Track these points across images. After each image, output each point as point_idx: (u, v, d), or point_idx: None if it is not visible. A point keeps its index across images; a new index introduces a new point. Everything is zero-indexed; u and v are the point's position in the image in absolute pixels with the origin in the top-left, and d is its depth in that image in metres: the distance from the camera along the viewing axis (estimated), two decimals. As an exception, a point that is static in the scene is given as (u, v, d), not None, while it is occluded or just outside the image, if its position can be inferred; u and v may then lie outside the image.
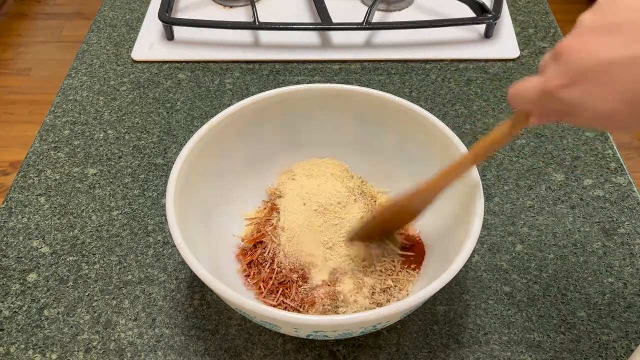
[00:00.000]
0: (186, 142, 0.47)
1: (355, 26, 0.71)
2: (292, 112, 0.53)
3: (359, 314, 0.38)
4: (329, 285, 0.47)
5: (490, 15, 0.72)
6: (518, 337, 0.47)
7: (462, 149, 0.46)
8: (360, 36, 0.74)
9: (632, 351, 0.46)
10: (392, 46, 0.73)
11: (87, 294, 0.50)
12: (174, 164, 0.45)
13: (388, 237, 0.49)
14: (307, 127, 0.54)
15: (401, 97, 0.50)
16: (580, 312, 0.48)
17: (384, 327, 0.44)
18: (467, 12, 0.75)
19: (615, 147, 0.61)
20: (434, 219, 0.50)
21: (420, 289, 0.38)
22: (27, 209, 0.56)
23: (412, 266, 0.48)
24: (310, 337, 0.41)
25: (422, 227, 0.51)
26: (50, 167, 0.60)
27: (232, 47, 0.73)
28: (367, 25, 0.71)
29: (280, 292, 0.46)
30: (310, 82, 0.67)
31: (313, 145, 0.55)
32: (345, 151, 0.55)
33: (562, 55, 0.31)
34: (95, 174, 0.59)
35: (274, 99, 0.51)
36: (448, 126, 0.48)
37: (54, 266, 0.52)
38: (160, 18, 0.72)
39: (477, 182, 0.44)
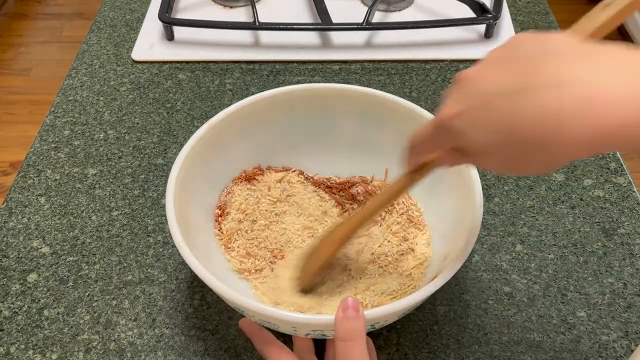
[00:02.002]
0: (186, 142, 0.47)
1: (355, 26, 0.71)
2: (291, 111, 0.53)
3: None
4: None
5: (490, 15, 0.72)
6: (518, 337, 0.47)
7: None
8: (360, 36, 0.74)
9: (632, 351, 0.46)
10: (392, 46, 0.73)
11: (87, 294, 0.50)
12: (173, 163, 0.45)
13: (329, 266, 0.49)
14: (307, 127, 0.54)
15: (401, 97, 0.50)
16: (580, 312, 0.48)
17: (382, 327, 0.44)
18: (467, 12, 0.75)
19: (615, 147, 0.61)
20: (433, 218, 0.50)
21: (419, 289, 0.38)
22: (27, 209, 0.56)
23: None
24: (309, 336, 0.41)
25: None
26: (50, 167, 0.60)
27: (232, 47, 0.73)
28: (367, 25, 0.71)
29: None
30: (310, 82, 0.67)
31: (312, 145, 0.55)
32: (344, 151, 0.55)
33: (459, 84, 0.30)
34: (95, 174, 0.59)
35: (273, 99, 0.51)
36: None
37: (53, 266, 0.52)
38: (160, 18, 0.72)
39: (476, 182, 0.44)
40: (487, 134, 0.28)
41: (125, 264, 0.52)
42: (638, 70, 0.24)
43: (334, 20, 0.72)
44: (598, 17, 0.31)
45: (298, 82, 0.68)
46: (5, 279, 0.51)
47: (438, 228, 0.49)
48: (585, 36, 0.31)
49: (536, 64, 0.26)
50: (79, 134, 0.63)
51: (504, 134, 0.27)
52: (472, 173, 0.44)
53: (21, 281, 0.51)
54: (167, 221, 0.42)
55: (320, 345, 0.44)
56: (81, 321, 0.48)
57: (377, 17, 0.77)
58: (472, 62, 0.70)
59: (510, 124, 0.26)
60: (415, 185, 0.40)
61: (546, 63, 0.26)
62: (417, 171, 0.39)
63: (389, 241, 0.49)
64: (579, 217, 0.55)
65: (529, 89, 0.26)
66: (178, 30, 0.74)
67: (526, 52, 0.27)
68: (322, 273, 0.48)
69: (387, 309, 0.37)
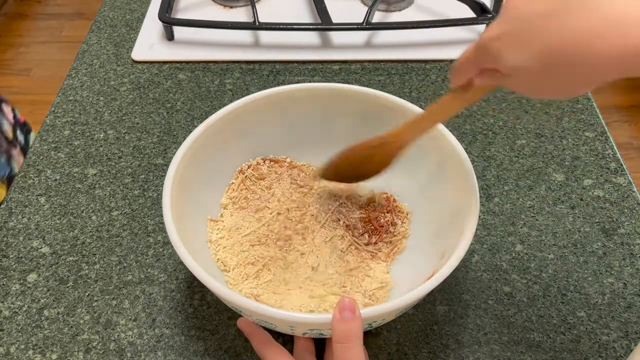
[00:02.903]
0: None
1: (355, 26, 0.72)
2: (290, 111, 0.53)
3: None
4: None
5: (490, 15, 0.72)
6: (518, 337, 0.47)
7: (460, 149, 0.46)
8: (360, 36, 0.74)
9: (632, 351, 0.46)
10: (392, 46, 0.73)
11: (87, 294, 0.50)
12: (170, 163, 0.45)
13: (357, 181, 0.50)
14: (305, 127, 0.54)
15: (401, 97, 0.50)
16: (579, 312, 0.48)
17: (379, 325, 0.44)
18: (467, 12, 0.75)
19: (615, 147, 0.61)
20: (430, 217, 0.50)
21: (416, 287, 0.38)
22: (27, 209, 0.56)
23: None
24: (306, 335, 0.41)
25: (417, 225, 0.51)
26: (50, 167, 0.60)
27: (232, 47, 0.73)
28: (367, 25, 0.71)
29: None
30: (309, 82, 0.67)
31: (311, 145, 0.55)
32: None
33: (504, 10, 0.32)
34: (95, 174, 0.59)
35: (271, 98, 0.51)
36: (447, 126, 0.48)
37: (53, 266, 0.52)
38: (160, 18, 0.72)
39: (472, 179, 0.44)
40: (524, 54, 0.29)
41: (125, 264, 0.52)
42: None
43: (334, 20, 0.72)
44: None
45: (298, 82, 0.68)
46: (5, 279, 0.51)
47: (433, 225, 0.49)
48: None
49: None
50: (79, 134, 0.63)
51: (539, 54, 0.29)
52: (468, 167, 0.45)
53: (21, 281, 0.51)
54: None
55: (322, 347, 0.44)
56: (81, 321, 0.48)
57: (377, 17, 0.77)
58: (472, 62, 0.71)
59: (545, 44, 0.28)
60: (464, 106, 0.40)
61: None
62: (464, 90, 0.39)
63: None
64: (579, 217, 0.55)
65: (562, 11, 0.28)
66: (178, 30, 0.74)
67: None
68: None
69: (383, 307, 0.37)
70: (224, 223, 0.51)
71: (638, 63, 0.27)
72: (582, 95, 0.66)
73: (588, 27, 0.27)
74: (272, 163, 0.54)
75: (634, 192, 0.57)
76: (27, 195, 0.57)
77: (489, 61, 0.33)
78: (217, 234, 0.50)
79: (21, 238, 0.54)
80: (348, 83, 0.53)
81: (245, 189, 0.53)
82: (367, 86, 0.53)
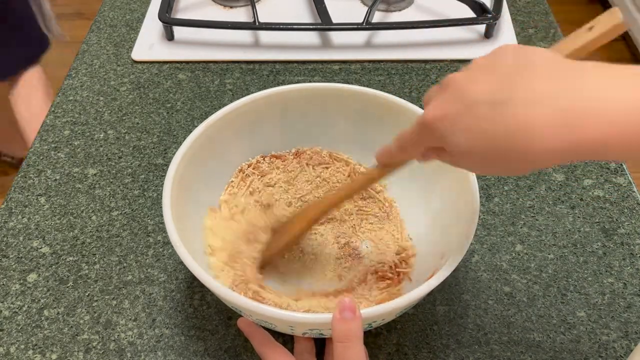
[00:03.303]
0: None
1: (355, 26, 0.71)
2: (290, 111, 0.53)
3: None
4: None
5: (490, 15, 0.72)
6: (518, 337, 0.47)
7: None
8: (360, 36, 0.74)
9: (632, 351, 0.46)
10: (392, 46, 0.73)
11: (86, 294, 0.50)
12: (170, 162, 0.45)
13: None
14: (305, 126, 0.54)
15: (401, 97, 0.50)
16: (579, 312, 0.48)
17: (379, 325, 0.44)
18: (467, 12, 0.75)
19: (615, 147, 0.61)
20: (430, 218, 0.50)
21: (416, 287, 0.38)
22: (27, 209, 0.56)
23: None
24: (306, 335, 0.41)
25: (416, 226, 0.51)
26: (50, 167, 0.60)
27: (232, 47, 0.73)
28: (367, 25, 0.71)
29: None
30: (309, 82, 0.67)
31: (311, 145, 0.55)
32: (342, 150, 0.55)
33: (447, 88, 0.32)
34: (95, 174, 0.59)
35: (271, 98, 0.51)
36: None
37: (53, 266, 0.52)
38: (160, 18, 0.72)
39: (473, 179, 0.44)
40: (468, 139, 0.30)
41: (125, 264, 0.52)
42: (603, 92, 0.27)
43: (334, 20, 0.72)
44: (582, 37, 0.33)
45: (298, 82, 0.68)
46: (5, 279, 0.51)
47: (433, 226, 0.49)
48: (567, 54, 0.33)
49: (513, 79, 0.29)
50: (79, 134, 0.63)
51: (482, 140, 0.29)
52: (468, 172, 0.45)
53: (21, 281, 0.51)
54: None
55: (322, 347, 0.44)
56: (81, 321, 0.48)
57: (377, 17, 0.77)
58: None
59: (487, 132, 0.29)
60: (386, 177, 0.43)
61: (522, 79, 0.29)
62: (391, 165, 0.41)
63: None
64: (579, 217, 0.55)
65: (505, 102, 0.28)
66: (178, 30, 0.74)
67: (507, 64, 0.30)
68: (286, 251, 0.49)
69: (383, 307, 0.37)
70: (222, 213, 0.51)
71: (582, 154, 0.27)
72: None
73: (528, 121, 0.27)
74: (273, 159, 0.54)
75: (633, 192, 0.57)
76: (27, 195, 0.57)
77: (433, 141, 0.33)
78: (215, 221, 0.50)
79: (21, 238, 0.54)
80: (348, 83, 0.53)
81: (246, 186, 0.53)
82: (367, 86, 0.53)
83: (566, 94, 0.27)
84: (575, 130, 0.27)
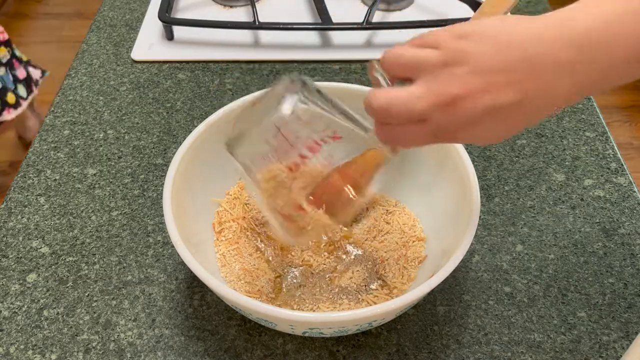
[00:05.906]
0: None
1: (355, 26, 0.71)
2: (290, 111, 0.52)
3: (353, 311, 0.38)
4: None
5: (490, 15, 0.72)
6: (518, 337, 0.47)
7: (460, 149, 0.46)
8: (360, 36, 0.74)
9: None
10: (393, 46, 0.72)
11: (86, 294, 0.50)
12: (171, 162, 0.45)
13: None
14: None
15: (401, 96, 0.50)
16: (580, 312, 0.48)
17: (380, 325, 0.44)
18: (467, 12, 0.75)
19: (615, 147, 0.61)
20: (430, 217, 0.50)
21: (416, 287, 0.38)
22: (27, 209, 0.56)
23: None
24: (306, 334, 0.41)
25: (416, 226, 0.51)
26: (49, 167, 0.60)
27: (232, 47, 0.73)
28: (367, 24, 0.71)
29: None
30: (310, 82, 0.67)
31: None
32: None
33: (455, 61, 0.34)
34: (94, 174, 0.59)
35: None
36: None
37: (53, 266, 0.52)
38: (160, 18, 0.72)
39: (473, 179, 0.44)
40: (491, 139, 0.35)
41: (125, 264, 0.52)
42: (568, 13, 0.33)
43: (334, 20, 0.72)
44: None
45: (298, 82, 0.68)
46: (5, 279, 0.51)
47: (434, 226, 0.49)
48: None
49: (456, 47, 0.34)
50: (79, 133, 0.63)
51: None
52: (468, 167, 0.44)
53: (21, 281, 0.51)
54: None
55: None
56: (81, 321, 0.48)
57: (377, 16, 0.77)
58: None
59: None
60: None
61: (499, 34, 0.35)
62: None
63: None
64: (579, 217, 0.55)
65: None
66: (178, 30, 0.74)
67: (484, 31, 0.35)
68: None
69: (383, 306, 0.37)
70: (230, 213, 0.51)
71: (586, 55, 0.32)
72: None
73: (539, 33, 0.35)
74: None
75: (634, 192, 0.57)
76: (27, 195, 0.57)
77: (445, 137, 0.37)
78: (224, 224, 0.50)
79: (21, 238, 0.54)
80: (348, 83, 0.53)
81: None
82: (368, 86, 0.52)
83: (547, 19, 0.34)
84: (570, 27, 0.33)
